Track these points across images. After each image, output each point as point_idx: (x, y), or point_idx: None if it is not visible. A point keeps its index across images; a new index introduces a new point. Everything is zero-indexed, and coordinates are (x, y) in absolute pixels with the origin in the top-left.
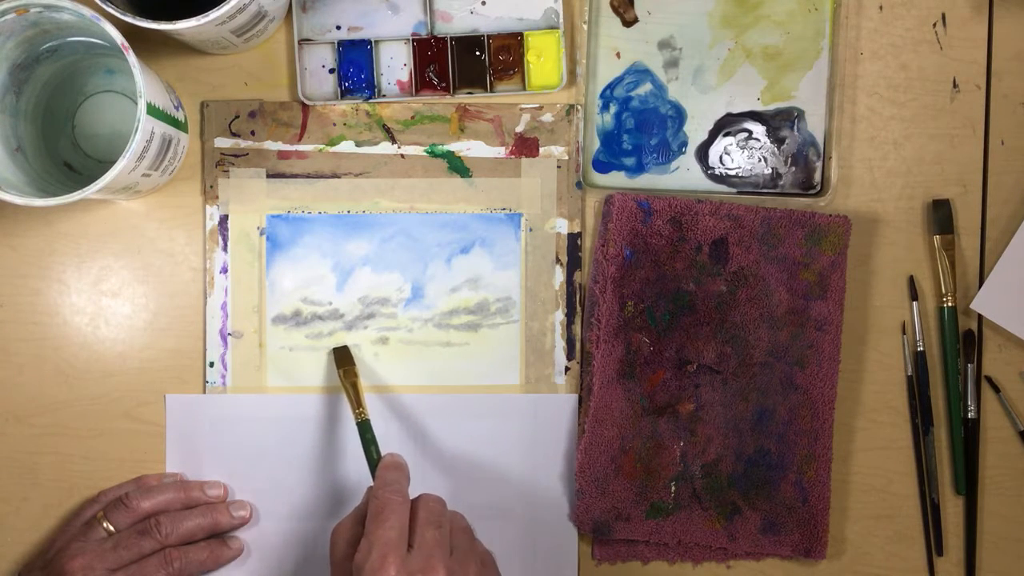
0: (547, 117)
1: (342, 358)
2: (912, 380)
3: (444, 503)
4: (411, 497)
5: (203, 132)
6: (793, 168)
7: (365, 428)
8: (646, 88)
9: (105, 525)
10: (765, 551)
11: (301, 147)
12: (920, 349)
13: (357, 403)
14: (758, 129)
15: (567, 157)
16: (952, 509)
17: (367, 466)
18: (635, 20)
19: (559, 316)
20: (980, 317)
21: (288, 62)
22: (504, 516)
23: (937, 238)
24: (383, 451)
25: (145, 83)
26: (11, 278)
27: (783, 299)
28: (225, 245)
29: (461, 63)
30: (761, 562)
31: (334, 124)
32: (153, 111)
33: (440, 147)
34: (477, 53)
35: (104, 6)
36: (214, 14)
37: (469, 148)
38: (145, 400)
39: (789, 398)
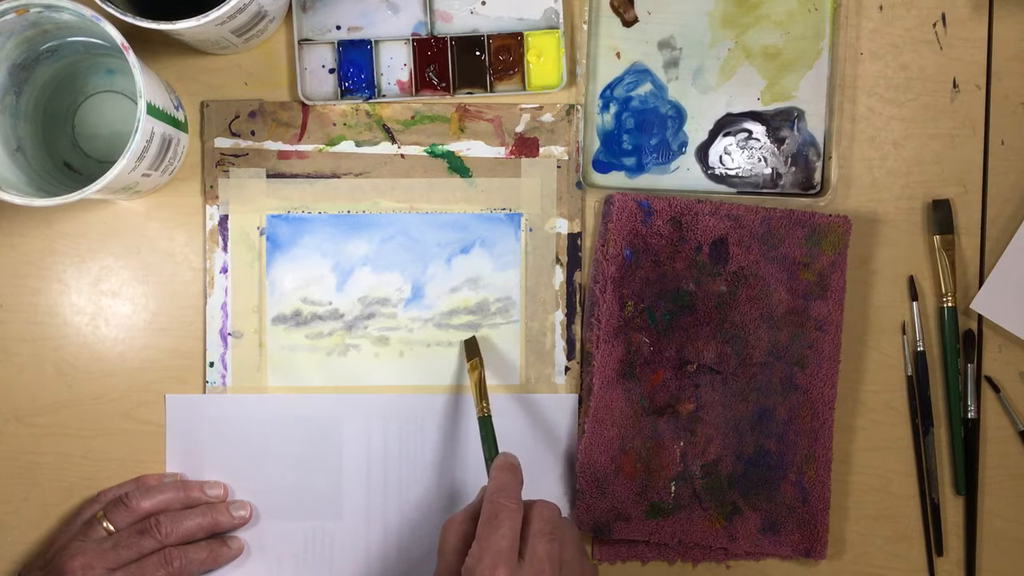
0: (547, 117)
1: (470, 349)
2: (912, 380)
3: (559, 511)
4: (526, 499)
5: (203, 132)
6: (793, 168)
7: (485, 424)
8: (646, 88)
9: (105, 525)
10: (765, 551)
11: (301, 147)
12: (920, 349)
13: (480, 397)
14: (758, 129)
15: (567, 157)
16: (952, 509)
17: (484, 463)
18: (635, 20)
19: (559, 316)
20: (980, 317)
21: (288, 62)
22: None
23: (937, 238)
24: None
25: (145, 83)
26: (11, 278)
27: (783, 299)
28: (225, 245)
29: (461, 63)
30: (761, 562)
31: (334, 124)
32: (153, 111)
33: (440, 147)
34: (477, 53)
35: (104, 6)
36: (214, 14)
37: (469, 148)
38: (145, 400)
39: (789, 398)
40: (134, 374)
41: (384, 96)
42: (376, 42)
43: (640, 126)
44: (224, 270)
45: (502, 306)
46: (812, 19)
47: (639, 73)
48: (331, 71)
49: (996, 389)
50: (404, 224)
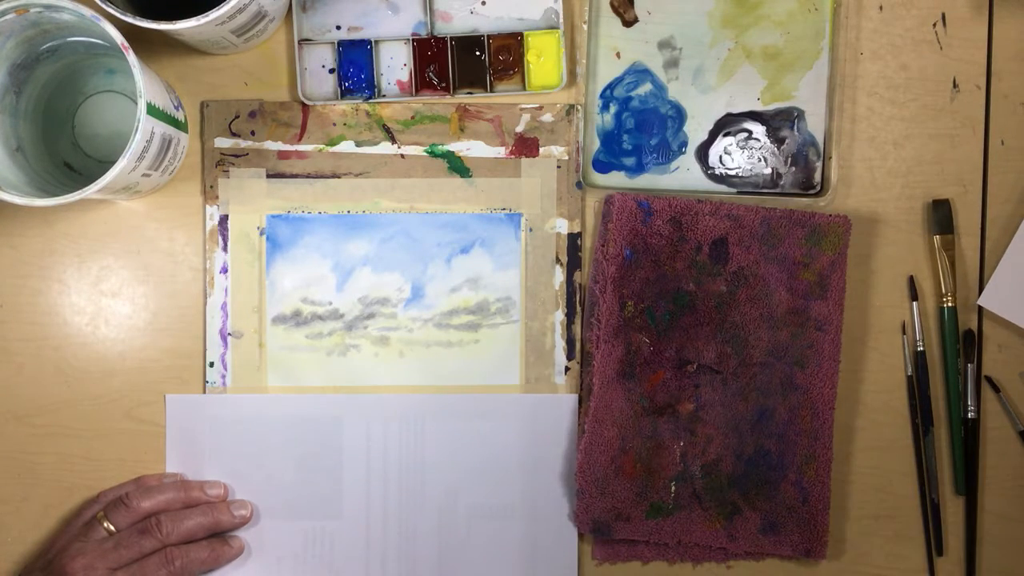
0: (547, 117)
1: None
2: (912, 380)
3: None
4: None
5: (203, 132)
6: (793, 168)
7: None
8: (646, 88)
9: (106, 525)
10: (765, 551)
11: (301, 147)
12: (920, 349)
13: None
14: (758, 129)
15: (567, 157)
16: (952, 509)
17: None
18: (635, 20)
19: (559, 316)
20: (980, 317)
21: (288, 62)
22: (504, 516)
23: (937, 238)
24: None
25: (145, 83)
26: (11, 278)
27: (783, 299)
28: (225, 245)
29: (461, 63)
30: (761, 562)
31: (334, 124)
32: (153, 111)
33: (440, 147)
34: (477, 53)
35: (104, 6)
36: (214, 14)
37: (469, 148)
38: (145, 400)
39: (789, 398)
40: (134, 374)
41: (384, 96)
42: (376, 42)
43: (640, 126)
44: (224, 270)
45: (502, 306)
46: (812, 19)
47: (639, 73)
48: (331, 71)
49: (996, 389)
50: (404, 224)
